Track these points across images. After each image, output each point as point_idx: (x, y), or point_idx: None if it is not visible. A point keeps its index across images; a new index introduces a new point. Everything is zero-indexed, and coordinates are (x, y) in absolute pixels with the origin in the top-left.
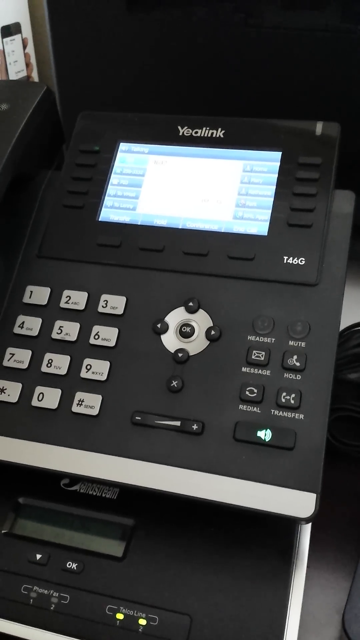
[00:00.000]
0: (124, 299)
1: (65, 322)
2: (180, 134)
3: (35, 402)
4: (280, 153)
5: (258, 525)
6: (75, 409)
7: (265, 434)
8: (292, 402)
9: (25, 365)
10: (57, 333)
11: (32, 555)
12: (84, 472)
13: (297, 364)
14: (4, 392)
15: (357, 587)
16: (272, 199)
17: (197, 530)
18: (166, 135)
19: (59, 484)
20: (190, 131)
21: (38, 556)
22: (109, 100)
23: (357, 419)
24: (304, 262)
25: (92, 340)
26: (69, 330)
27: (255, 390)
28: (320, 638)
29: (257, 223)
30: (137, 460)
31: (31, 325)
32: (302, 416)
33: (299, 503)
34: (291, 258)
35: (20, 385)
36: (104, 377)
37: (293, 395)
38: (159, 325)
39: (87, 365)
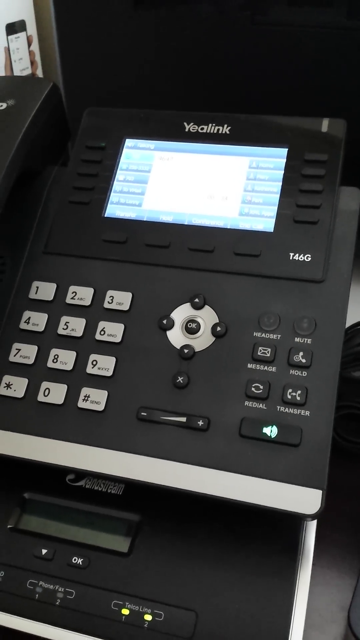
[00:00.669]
0: (129, 295)
1: (71, 318)
2: (186, 130)
3: (41, 398)
4: (287, 150)
5: (263, 522)
6: (81, 404)
7: (271, 431)
8: (298, 398)
9: (31, 361)
10: (63, 329)
11: (37, 550)
12: (90, 468)
13: (303, 360)
14: (10, 388)
15: None
16: (278, 196)
17: (202, 526)
18: (172, 131)
19: (65, 480)
20: (196, 127)
21: (44, 551)
22: (114, 97)
23: None
24: (310, 258)
25: (97, 336)
26: (74, 326)
27: (261, 387)
28: (325, 635)
29: (263, 219)
30: (142, 455)
31: (37, 320)
32: (308, 413)
33: (304, 499)
34: (297, 255)
35: (26, 380)
36: (109, 373)
37: (299, 392)
38: (164, 321)
39: (93, 360)
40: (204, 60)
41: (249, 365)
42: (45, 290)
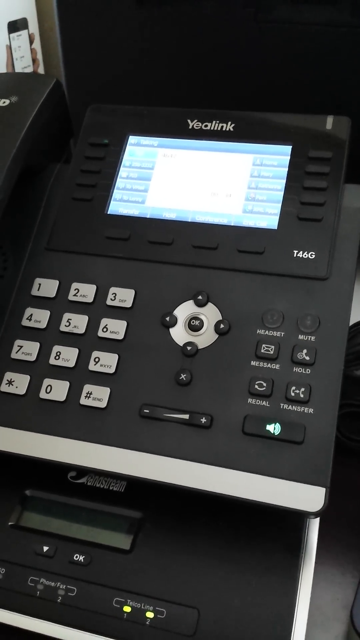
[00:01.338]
0: (132, 292)
1: (73, 315)
2: (190, 127)
3: (43, 395)
4: (291, 147)
5: (266, 519)
6: (83, 401)
7: (274, 428)
8: (302, 396)
9: (33, 358)
10: (66, 325)
11: (39, 547)
12: (92, 465)
13: (307, 358)
14: (12, 384)
15: None
16: (282, 193)
17: (205, 523)
18: (176, 128)
19: (66, 477)
20: (200, 124)
21: (45, 548)
22: (117, 94)
23: None
24: (314, 256)
25: (100, 333)
26: (77, 322)
27: (265, 384)
28: (328, 633)
29: (267, 217)
30: (145, 453)
31: (39, 317)
32: (311, 410)
33: (307, 497)
34: (301, 252)
35: (28, 377)
36: (112, 370)
37: (302, 389)
38: (167, 319)
39: (96, 357)
40: (207, 58)
41: (252, 363)
42: (47, 287)
